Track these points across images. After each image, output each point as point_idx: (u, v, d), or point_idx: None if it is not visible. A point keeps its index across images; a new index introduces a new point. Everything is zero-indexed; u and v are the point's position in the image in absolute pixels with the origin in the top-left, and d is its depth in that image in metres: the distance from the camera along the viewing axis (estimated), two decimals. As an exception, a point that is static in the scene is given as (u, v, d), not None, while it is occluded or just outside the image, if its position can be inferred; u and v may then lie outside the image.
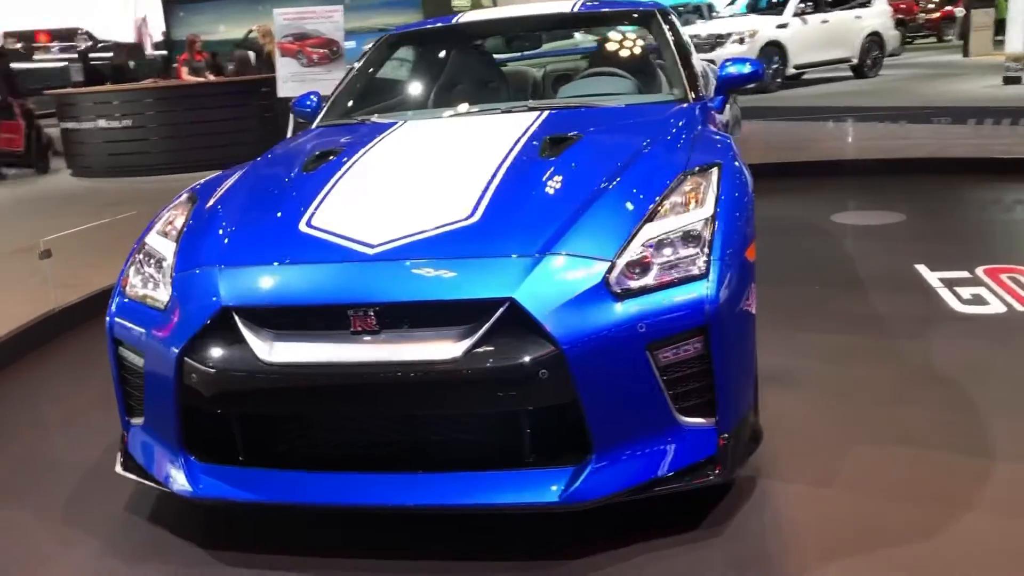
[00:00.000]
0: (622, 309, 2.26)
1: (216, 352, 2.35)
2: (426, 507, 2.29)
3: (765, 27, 15.28)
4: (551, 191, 2.62)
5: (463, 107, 3.66)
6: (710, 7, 25.28)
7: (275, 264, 2.45)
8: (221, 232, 2.66)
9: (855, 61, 16.04)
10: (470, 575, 2.32)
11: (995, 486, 2.53)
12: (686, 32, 4.08)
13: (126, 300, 2.63)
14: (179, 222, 2.82)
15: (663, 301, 2.29)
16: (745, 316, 2.45)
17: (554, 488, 2.24)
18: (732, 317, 2.37)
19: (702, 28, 16.29)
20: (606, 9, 4.24)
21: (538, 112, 3.36)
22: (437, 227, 2.44)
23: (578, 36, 5.46)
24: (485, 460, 2.31)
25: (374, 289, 2.31)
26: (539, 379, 2.19)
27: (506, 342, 2.21)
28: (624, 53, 4.15)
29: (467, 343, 2.21)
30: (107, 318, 2.64)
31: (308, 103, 4.06)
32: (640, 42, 4.24)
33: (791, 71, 15.45)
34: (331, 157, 3.04)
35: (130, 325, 2.55)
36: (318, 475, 2.36)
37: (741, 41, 15.16)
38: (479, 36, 4.28)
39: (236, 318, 2.36)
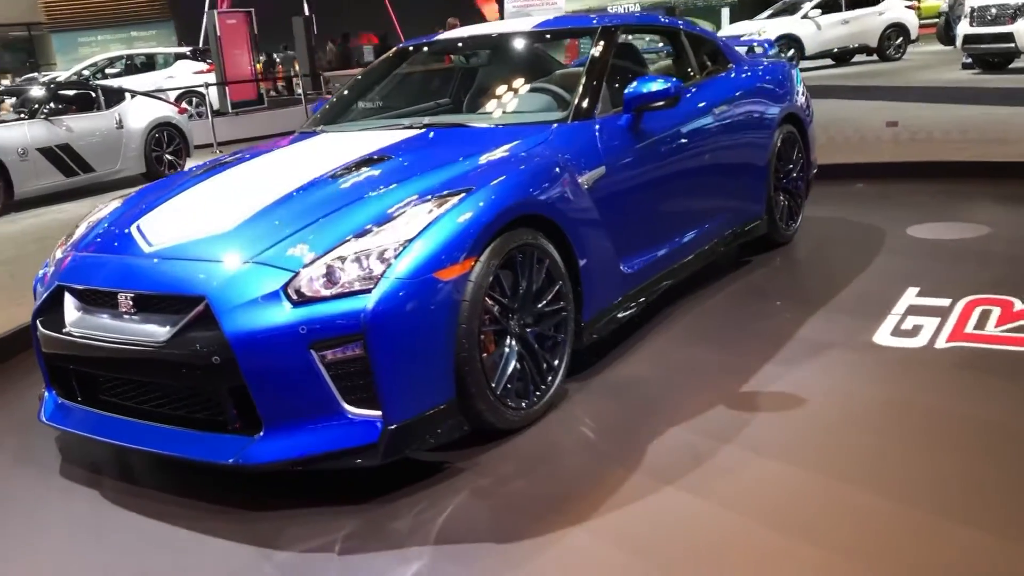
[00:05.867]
0: (289, 313, 2.75)
1: (49, 317, 3.20)
2: (146, 451, 2.97)
3: (1084, -8, 13.35)
4: (302, 209, 3.13)
5: (374, 121, 4.22)
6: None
7: (95, 254, 3.24)
8: (104, 221, 3.49)
9: None
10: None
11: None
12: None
13: (48, 260, 3.54)
14: (112, 206, 3.70)
15: (328, 310, 2.75)
16: (424, 327, 2.81)
17: (229, 451, 2.81)
18: (399, 327, 2.76)
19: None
20: (558, 27, 4.48)
21: (414, 130, 3.83)
22: (199, 234, 3.09)
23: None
24: (201, 422, 2.93)
25: (130, 280, 3.03)
26: (213, 364, 2.77)
27: (200, 333, 2.81)
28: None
29: (173, 330, 2.84)
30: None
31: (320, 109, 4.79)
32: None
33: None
34: (218, 165, 3.77)
35: (41, 281, 3.46)
36: (106, 417, 3.12)
37: (1047, 8, 13.42)
38: (453, 52, 4.71)
39: (65, 293, 3.18)
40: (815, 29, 18.60)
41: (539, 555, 2.50)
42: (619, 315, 3.78)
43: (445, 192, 3.06)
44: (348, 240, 2.89)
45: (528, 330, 3.25)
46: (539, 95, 4.16)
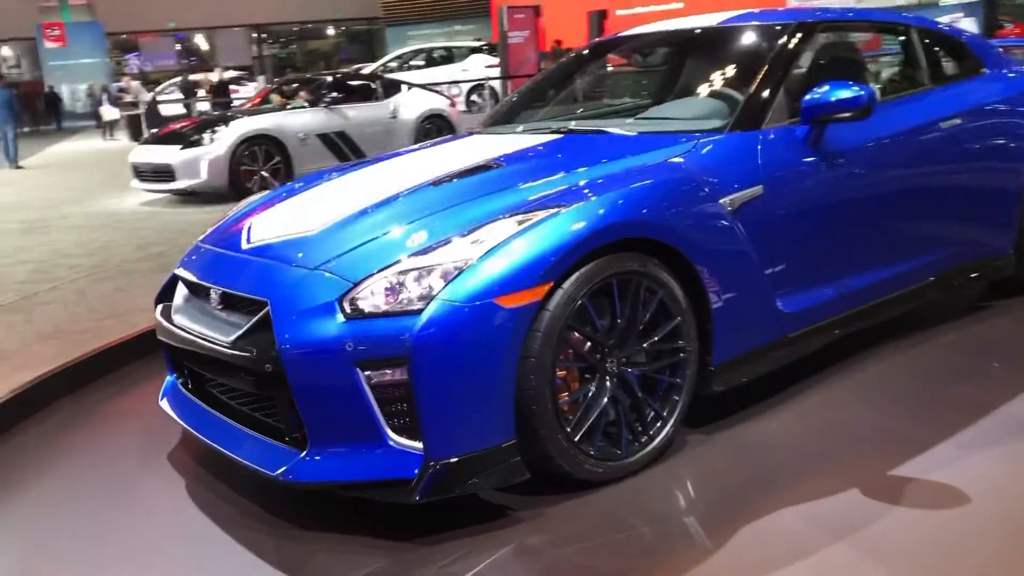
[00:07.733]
0: (339, 327, 2.57)
1: (166, 304, 3.27)
2: (212, 446, 2.92)
3: None
4: (388, 216, 2.93)
5: (528, 124, 3.92)
6: None
7: (209, 246, 3.26)
8: (236, 214, 3.53)
9: None
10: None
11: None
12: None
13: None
14: (252, 198, 3.76)
15: (376, 327, 2.54)
16: (478, 357, 2.51)
17: (277, 463, 2.69)
18: (447, 355, 2.49)
19: None
20: (747, 22, 3.87)
21: (554, 135, 3.51)
22: (286, 235, 3.00)
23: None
24: (266, 427, 2.84)
25: (219, 276, 3.01)
26: (266, 371, 2.65)
27: (259, 337, 2.71)
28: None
29: (240, 331, 2.77)
30: None
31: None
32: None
33: None
34: (355, 163, 3.68)
35: None
36: (200, 408, 3.14)
37: None
38: (633, 50, 4.29)
39: (179, 282, 3.24)
40: None
41: (547, 643, 2.14)
42: (771, 358, 3.23)
43: (537, 208, 2.73)
44: (415, 254, 2.65)
45: (629, 370, 2.84)
46: (711, 100, 3.66)
